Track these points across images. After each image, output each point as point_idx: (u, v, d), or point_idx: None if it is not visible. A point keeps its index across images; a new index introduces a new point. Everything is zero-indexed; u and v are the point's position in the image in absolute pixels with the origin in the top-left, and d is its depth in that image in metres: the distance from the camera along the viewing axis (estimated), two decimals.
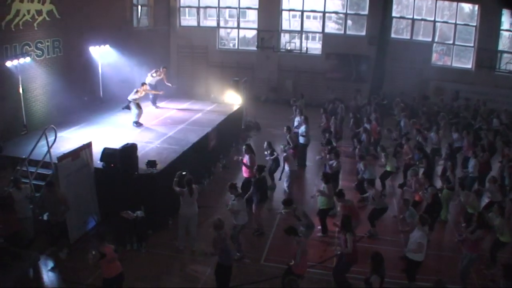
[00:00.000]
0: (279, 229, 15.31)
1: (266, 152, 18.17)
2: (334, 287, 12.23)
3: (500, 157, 20.43)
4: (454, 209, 16.92)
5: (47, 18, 19.10)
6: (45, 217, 13.78)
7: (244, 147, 17.50)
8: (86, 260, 10.08)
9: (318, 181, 18.04)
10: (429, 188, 15.15)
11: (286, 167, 17.69)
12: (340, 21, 33.39)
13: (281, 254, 12.91)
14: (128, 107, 19.93)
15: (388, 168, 18.26)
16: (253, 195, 15.11)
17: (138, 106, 19.78)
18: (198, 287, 12.19)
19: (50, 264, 12.81)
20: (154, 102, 23.05)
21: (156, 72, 22.76)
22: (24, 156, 14.42)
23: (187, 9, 34.60)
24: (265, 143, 18.43)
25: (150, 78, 22.38)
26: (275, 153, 18.15)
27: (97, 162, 14.64)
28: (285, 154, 17.71)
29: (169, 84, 23.65)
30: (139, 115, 19.85)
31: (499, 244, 13.30)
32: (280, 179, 18.31)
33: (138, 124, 19.76)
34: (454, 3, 30.89)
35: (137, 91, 19.77)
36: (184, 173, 13.69)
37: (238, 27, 34.15)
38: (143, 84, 20.71)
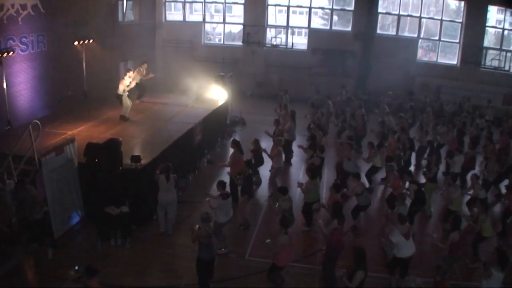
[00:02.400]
0: (263, 224, 15.40)
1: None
2: (319, 281, 12.31)
3: (482, 151, 20.52)
4: (438, 204, 17.12)
5: (32, 13, 18.84)
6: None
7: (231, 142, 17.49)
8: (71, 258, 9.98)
9: (303, 176, 18.06)
10: (410, 184, 15.26)
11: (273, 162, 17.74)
12: (326, 17, 33.48)
13: (266, 249, 12.87)
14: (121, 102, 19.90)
15: (377, 164, 18.29)
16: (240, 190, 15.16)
17: (129, 99, 19.77)
18: (183, 281, 12.19)
19: (35, 260, 12.71)
20: (139, 97, 22.90)
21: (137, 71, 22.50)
22: (8, 152, 14.31)
23: (172, 3, 34.48)
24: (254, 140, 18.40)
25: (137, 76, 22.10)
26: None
27: (81, 157, 14.54)
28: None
29: (151, 75, 23.31)
30: (127, 109, 19.79)
31: (481, 238, 13.47)
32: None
33: (123, 118, 19.68)
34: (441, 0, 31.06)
35: (125, 81, 19.80)
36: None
37: (224, 22, 34.06)
38: (128, 70, 20.58)
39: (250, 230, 15.07)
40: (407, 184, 15.86)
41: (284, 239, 11.34)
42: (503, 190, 17.10)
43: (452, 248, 12.18)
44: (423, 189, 15.59)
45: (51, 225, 13.28)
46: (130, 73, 20.42)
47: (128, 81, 19.93)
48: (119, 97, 19.72)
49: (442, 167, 18.91)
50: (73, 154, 14.27)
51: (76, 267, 9.84)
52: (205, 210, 12.30)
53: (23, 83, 19.00)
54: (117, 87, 19.82)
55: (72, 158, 14.22)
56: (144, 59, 23.73)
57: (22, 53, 18.66)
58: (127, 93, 19.81)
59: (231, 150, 17.11)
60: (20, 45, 18.53)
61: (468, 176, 18.07)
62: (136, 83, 21.46)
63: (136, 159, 14.55)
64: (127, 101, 19.70)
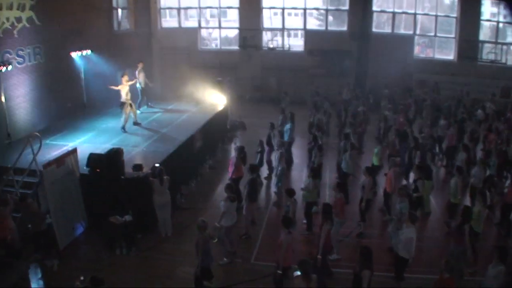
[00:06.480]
0: (268, 228, 15.35)
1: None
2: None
3: (482, 145, 20.45)
4: (437, 200, 17.17)
5: (27, 25, 18.89)
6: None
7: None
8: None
9: (305, 178, 18.02)
10: (418, 180, 15.21)
11: (279, 165, 17.65)
12: (321, 17, 33.47)
13: (272, 253, 12.83)
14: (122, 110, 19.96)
15: (375, 162, 18.19)
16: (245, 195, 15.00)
17: (129, 107, 19.89)
18: None
19: (40, 272, 12.66)
20: (138, 106, 22.89)
21: (134, 73, 22.65)
22: (9, 165, 14.32)
23: (167, 10, 34.55)
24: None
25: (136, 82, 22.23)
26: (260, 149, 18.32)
27: (83, 168, 14.55)
28: (280, 151, 17.72)
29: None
30: (126, 119, 19.81)
31: (474, 235, 12.85)
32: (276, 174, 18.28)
33: (123, 129, 19.73)
34: None
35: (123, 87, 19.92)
36: (157, 165, 14.44)
37: (220, 27, 34.13)
38: (123, 75, 20.49)
39: (256, 233, 15.00)
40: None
41: (287, 239, 11.23)
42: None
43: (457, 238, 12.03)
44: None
45: (55, 237, 13.28)
46: (126, 77, 20.35)
47: (127, 88, 19.99)
48: (122, 104, 19.77)
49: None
50: (75, 165, 14.27)
51: (82, 278, 9.82)
52: (203, 217, 12.00)
53: (21, 96, 18.99)
54: (120, 96, 19.94)
55: (74, 169, 14.23)
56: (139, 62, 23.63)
57: (19, 66, 18.65)
58: (130, 101, 19.85)
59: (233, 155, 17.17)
60: (17, 58, 18.51)
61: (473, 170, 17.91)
62: (142, 88, 22.08)
63: (138, 167, 14.58)
64: (126, 110, 19.69)
